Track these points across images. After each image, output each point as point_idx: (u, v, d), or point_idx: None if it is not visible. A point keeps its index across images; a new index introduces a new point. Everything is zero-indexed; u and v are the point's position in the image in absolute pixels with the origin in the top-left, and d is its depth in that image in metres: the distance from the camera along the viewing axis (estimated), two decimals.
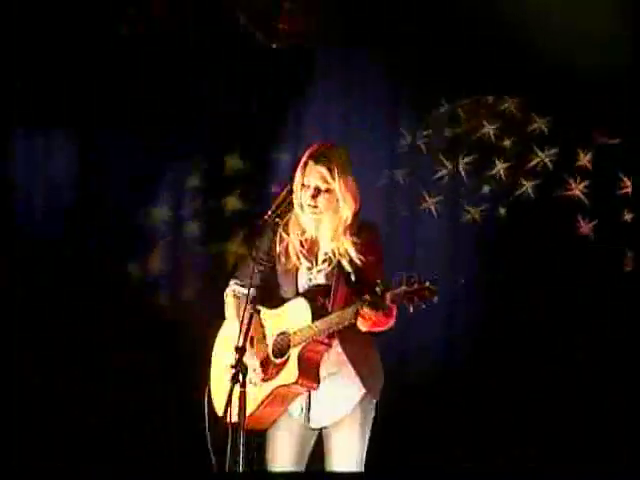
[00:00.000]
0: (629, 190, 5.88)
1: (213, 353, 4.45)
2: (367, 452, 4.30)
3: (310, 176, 4.25)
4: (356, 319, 4.06)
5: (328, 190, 4.24)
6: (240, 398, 3.91)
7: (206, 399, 4.19)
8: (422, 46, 6.07)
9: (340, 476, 4.24)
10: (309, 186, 4.25)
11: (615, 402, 5.77)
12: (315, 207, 4.25)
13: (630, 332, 5.76)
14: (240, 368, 3.93)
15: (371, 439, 4.31)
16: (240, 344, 3.98)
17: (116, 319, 6.37)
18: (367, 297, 4.02)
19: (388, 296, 3.99)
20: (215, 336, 4.46)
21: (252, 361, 4.19)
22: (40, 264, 6.38)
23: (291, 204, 4.29)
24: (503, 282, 6.04)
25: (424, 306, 3.94)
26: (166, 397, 6.19)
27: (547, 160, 6.04)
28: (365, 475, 4.27)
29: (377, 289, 4.00)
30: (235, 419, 3.93)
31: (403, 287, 3.96)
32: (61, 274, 6.39)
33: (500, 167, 6.09)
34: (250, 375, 4.09)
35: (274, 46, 6.22)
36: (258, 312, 4.23)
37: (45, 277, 6.37)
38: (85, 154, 6.52)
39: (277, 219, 4.24)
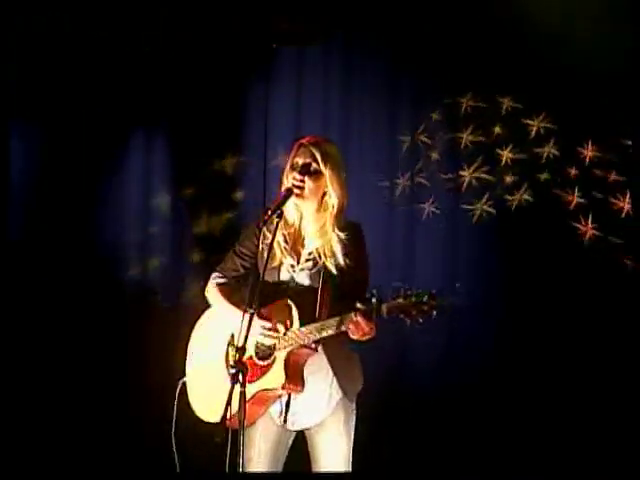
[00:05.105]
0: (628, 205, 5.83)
1: (192, 344, 4.43)
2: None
3: (302, 155, 4.23)
4: (348, 328, 4.01)
5: (317, 173, 4.20)
6: (240, 398, 3.87)
7: (177, 393, 4.21)
8: (423, 46, 6.06)
9: (339, 476, 4.22)
10: (298, 164, 4.23)
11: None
12: (300, 186, 4.19)
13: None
14: (240, 368, 3.88)
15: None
16: (240, 344, 3.93)
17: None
18: (361, 306, 3.94)
19: (384, 308, 3.91)
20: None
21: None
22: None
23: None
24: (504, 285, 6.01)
25: (421, 320, 3.86)
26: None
27: (549, 157, 6.02)
28: (353, 475, 4.26)
29: (373, 299, 3.92)
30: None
31: (400, 299, 3.88)
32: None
33: (503, 161, 6.08)
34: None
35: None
36: (259, 311, 4.14)
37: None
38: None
39: (277, 219, 4.17)
